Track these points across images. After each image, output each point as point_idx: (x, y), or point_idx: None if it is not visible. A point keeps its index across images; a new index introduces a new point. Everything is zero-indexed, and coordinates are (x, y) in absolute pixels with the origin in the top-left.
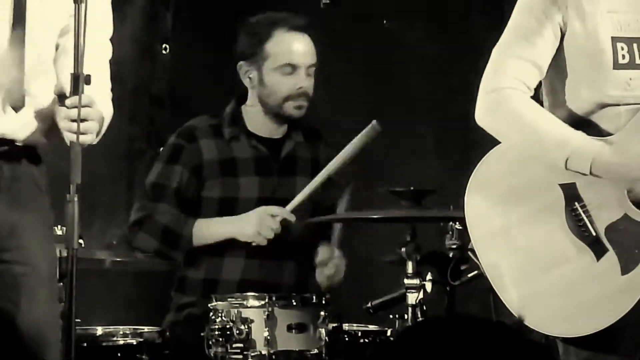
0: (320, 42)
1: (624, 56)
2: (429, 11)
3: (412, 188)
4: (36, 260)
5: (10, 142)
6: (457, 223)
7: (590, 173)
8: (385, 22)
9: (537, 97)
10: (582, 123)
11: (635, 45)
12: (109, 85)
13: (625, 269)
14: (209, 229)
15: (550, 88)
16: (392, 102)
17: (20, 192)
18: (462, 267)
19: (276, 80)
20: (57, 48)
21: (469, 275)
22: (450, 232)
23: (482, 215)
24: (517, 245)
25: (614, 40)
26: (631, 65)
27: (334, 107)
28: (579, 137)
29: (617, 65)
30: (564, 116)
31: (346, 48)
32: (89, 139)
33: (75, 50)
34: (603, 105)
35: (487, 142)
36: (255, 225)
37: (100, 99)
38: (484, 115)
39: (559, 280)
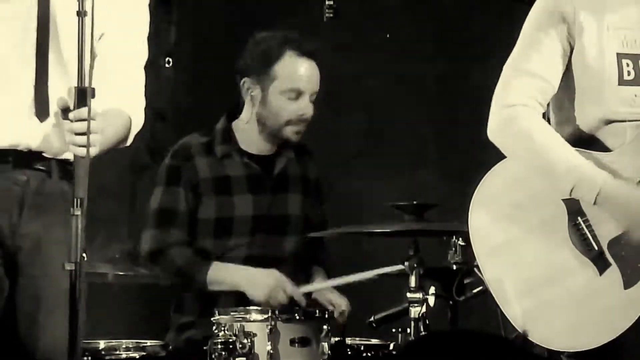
0: (323, 55)
1: (629, 72)
2: (433, 24)
3: (414, 202)
4: (59, 276)
5: (38, 154)
6: (460, 239)
7: (595, 203)
8: (388, 35)
9: (544, 113)
10: (588, 139)
11: None
12: (142, 91)
13: (627, 283)
14: (223, 278)
15: (557, 104)
16: (395, 116)
17: (47, 207)
18: (466, 281)
19: (280, 104)
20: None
21: (474, 291)
22: (454, 249)
23: (485, 229)
24: (520, 260)
25: (620, 56)
26: (636, 81)
27: (336, 120)
28: (586, 167)
29: (622, 82)
30: (571, 132)
31: (349, 61)
32: (92, 152)
33: (78, 63)
34: (608, 122)
35: (490, 156)
36: (266, 294)
37: (131, 104)
38: (495, 132)
39: (562, 294)
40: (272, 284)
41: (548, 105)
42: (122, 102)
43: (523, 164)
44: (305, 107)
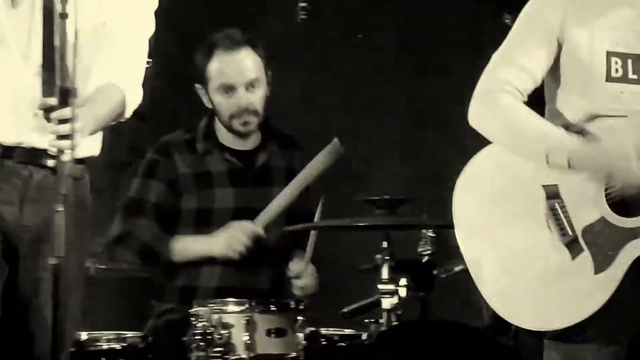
0: (297, 55)
1: (617, 70)
2: (403, 25)
3: (386, 196)
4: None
5: (42, 152)
6: (430, 233)
7: (569, 166)
8: (360, 35)
9: (541, 105)
10: (575, 133)
11: (629, 61)
12: (143, 66)
13: (598, 269)
14: (186, 248)
15: (550, 97)
16: (368, 113)
17: (49, 202)
18: (435, 272)
19: (219, 101)
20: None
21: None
22: (424, 240)
23: (467, 212)
24: (499, 242)
25: (609, 54)
26: (624, 79)
27: (311, 118)
28: (558, 132)
29: (610, 78)
30: (560, 125)
31: (323, 60)
32: (74, 153)
33: (60, 62)
34: (595, 116)
35: (458, 154)
36: (224, 240)
37: (128, 80)
38: (473, 116)
39: (536, 276)
40: (227, 230)
41: (542, 98)
42: (118, 77)
43: (501, 142)
44: (241, 99)
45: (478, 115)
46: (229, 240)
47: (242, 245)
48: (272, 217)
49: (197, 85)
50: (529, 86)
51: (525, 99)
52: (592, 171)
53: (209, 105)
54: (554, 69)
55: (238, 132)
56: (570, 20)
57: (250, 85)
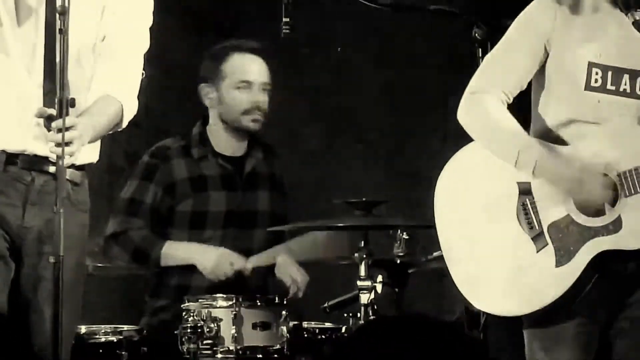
0: (280, 69)
1: (596, 80)
2: (379, 37)
3: (364, 199)
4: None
5: (44, 159)
6: (405, 233)
7: (533, 174)
8: (339, 49)
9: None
10: (552, 136)
11: (609, 73)
12: (138, 79)
13: (559, 263)
14: (176, 253)
15: (535, 99)
16: (347, 123)
17: (50, 205)
18: (410, 271)
19: (234, 96)
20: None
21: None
22: (399, 242)
23: (447, 203)
24: (473, 231)
25: (591, 65)
26: (602, 89)
27: (292, 129)
28: (531, 140)
29: (588, 87)
30: (540, 127)
31: (305, 73)
32: (73, 160)
33: (59, 75)
34: (571, 121)
35: (433, 160)
36: (212, 265)
37: (124, 91)
38: (461, 114)
39: (502, 265)
40: (219, 255)
41: (528, 101)
42: (115, 89)
43: (480, 141)
44: (257, 95)
45: (463, 115)
46: (216, 267)
47: (224, 277)
48: (265, 263)
49: (203, 85)
50: (516, 89)
51: (511, 100)
52: (553, 184)
53: (210, 105)
54: (540, 74)
55: (244, 129)
56: (559, 30)
57: (263, 88)
